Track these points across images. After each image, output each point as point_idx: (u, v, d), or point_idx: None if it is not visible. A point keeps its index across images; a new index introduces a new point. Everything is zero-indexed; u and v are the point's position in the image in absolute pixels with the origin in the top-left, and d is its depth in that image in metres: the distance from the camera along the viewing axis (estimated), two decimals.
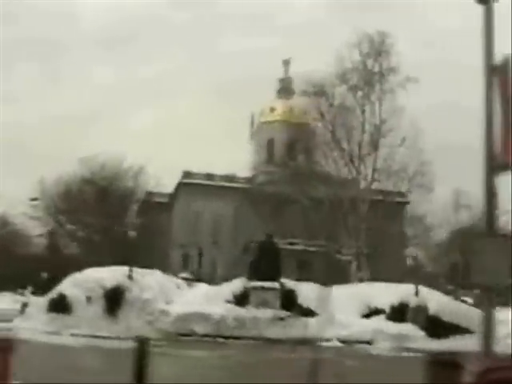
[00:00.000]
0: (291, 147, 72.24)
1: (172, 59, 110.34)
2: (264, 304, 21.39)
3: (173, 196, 68.95)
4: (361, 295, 22.47)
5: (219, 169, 67.30)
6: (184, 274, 38.83)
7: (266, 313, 19.95)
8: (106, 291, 19.06)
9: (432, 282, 31.35)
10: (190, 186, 65.25)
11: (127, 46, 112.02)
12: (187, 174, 66.31)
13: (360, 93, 28.38)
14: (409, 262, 43.49)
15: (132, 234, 56.15)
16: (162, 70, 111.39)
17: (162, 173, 69.16)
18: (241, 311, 19.96)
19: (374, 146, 27.68)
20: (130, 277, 19.74)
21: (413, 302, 20.34)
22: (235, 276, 55.20)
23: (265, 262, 22.68)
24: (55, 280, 25.81)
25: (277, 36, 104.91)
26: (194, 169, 67.16)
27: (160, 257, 59.32)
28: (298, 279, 30.81)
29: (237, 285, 22.91)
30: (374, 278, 27.41)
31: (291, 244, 64.41)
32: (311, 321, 19.99)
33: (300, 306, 21.57)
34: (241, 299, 21.74)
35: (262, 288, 21.87)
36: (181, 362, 13.86)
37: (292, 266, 53.96)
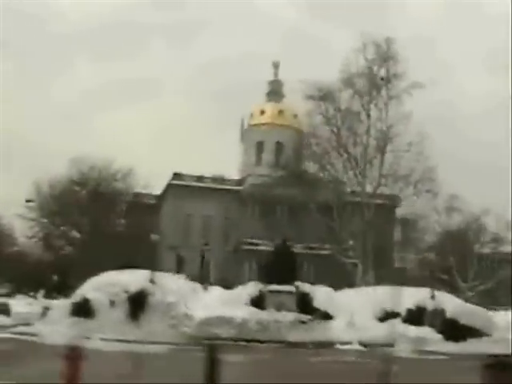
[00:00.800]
0: (280, 149, 72.76)
1: (156, 60, 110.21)
2: (281, 307, 21.59)
3: (161, 197, 68.69)
4: (375, 298, 22.80)
5: (208, 170, 67.55)
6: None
7: (288, 316, 20.14)
8: (129, 295, 19.03)
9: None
10: (180, 187, 65.07)
11: (109, 46, 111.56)
12: (177, 176, 66.15)
13: (366, 98, 28.73)
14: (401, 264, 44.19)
15: (125, 235, 55.78)
16: (146, 72, 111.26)
17: (150, 174, 68.77)
18: (262, 314, 20.12)
19: (381, 150, 28.08)
20: (152, 281, 19.76)
21: (429, 305, 20.74)
22: (228, 278, 55.57)
23: (280, 266, 22.88)
24: (65, 283, 25.72)
25: (259, 38, 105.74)
26: (183, 170, 67.25)
27: (150, 259, 59.14)
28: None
29: (252, 288, 23.07)
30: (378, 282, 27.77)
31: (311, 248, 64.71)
32: (331, 324, 20.23)
33: (316, 309, 21.80)
34: (257, 303, 21.90)
35: (279, 291, 22.06)
36: (233, 367, 14.01)
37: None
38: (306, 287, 22.82)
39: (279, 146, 71.78)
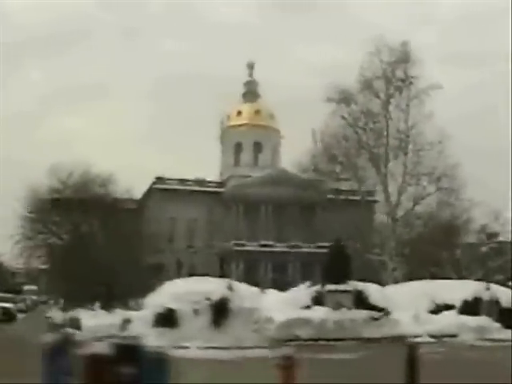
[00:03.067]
0: (259, 150, 73.62)
1: (105, 64, 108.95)
2: (339, 306, 22.41)
3: (142, 202, 68.12)
4: (423, 292, 23.98)
5: (185, 173, 67.64)
6: None
7: (361, 314, 21.03)
8: (212, 303, 19.42)
9: None
10: (163, 191, 64.92)
11: (67, 47, 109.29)
12: (159, 180, 65.96)
13: (385, 99, 29.88)
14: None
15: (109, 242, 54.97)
16: (108, 73, 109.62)
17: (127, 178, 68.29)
18: (337, 314, 20.91)
19: (403, 150, 29.40)
20: (230, 287, 20.23)
21: (485, 296, 22.09)
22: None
23: (335, 266, 23.71)
24: (113, 293, 25.74)
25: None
26: (157, 174, 67.10)
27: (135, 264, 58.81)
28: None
29: (308, 289, 23.83)
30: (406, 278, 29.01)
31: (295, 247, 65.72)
32: (400, 319, 21.26)
33: (373, 306, 22.73)
34: (317, 303, 22.68)
35: (337, 291, 22.90)
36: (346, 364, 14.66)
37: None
38: (358, 285, 23.73)
39: (257, 147, 72.79)
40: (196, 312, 19.34)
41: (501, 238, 45.26)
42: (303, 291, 23.57)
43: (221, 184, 67.46)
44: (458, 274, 41.81)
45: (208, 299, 19.55)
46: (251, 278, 61.31)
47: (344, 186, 30.51)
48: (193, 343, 18.66)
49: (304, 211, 66.96)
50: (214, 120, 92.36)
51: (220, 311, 19.45)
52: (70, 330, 21.37)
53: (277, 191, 64.93)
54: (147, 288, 29.80)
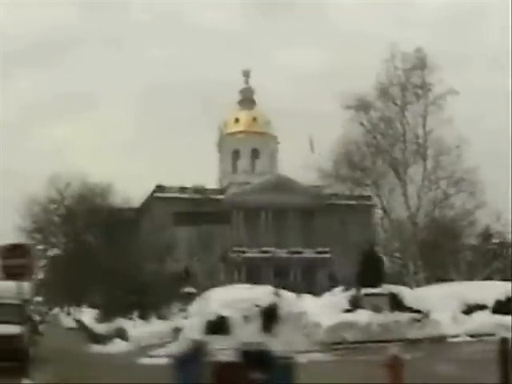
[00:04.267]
0: (256, 156, 74.20)
1: (104, 72, 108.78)
2: (376, 309, 22.99)
3: (141, 210, 68.10)
4: (453, 294, 24.67)
5: (180, 181, 67.86)
6: (187, 289, 39.14)
7: (404, 315, 21.61)
8: (261, 309, 19.82)
9: None
10: (163, 199, 65.10)
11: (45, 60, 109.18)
12: (159, 188, 66.17)
13: (402, 105, 30.64)
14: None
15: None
16: (98, 82, 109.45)
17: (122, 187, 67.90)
18: (380, 316, 21.47)
19: (422, 155, 30.21)
20: (276, 294, 20.67)
21: None
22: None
23: (369, 270, 24.30)
24: (147, 302, 25.99)
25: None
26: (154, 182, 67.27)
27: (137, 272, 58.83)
28: None
29: (343, 293, 24.38)
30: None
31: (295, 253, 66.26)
32: (440, 320, 21.89)
33: (409, 308, 23.34)
34: (354, 306, 23.24)
35: (373, 294, 23.48)
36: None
37: None
38: (391, 288, 24.35)
39: (255, 153, 73.38)
40: (246, 319, 19.71)
41: (499, 240, 45.99)
42: (339, 295, 24.09)
43: (220, 191, 67.79)
44: (461, 275, 42.45)
45: (257, 306, 19.95)
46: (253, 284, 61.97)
47: (360, 191, 31.10)
48: None
49: (304, 217, 67.69)
50: (206, 127, 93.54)
51: (269, 317, 19.85)
52: (147, 340, 21.66)
53: (276, 197, 65.55)
54: (175, 296, 30.18)
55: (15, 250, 13.21)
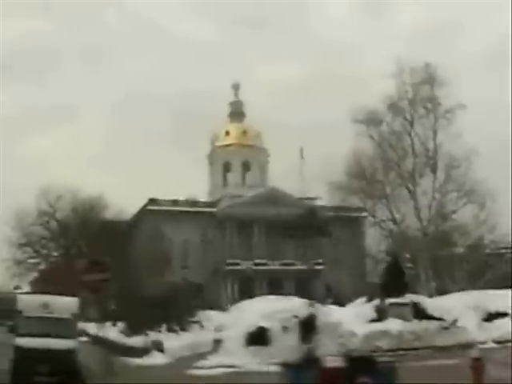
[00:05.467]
0: (247, 169, 74.61)
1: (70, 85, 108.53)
2: (401, 318, 23.62)
3: (133, 223, 67.77)
4: (472, 302, 25.45)
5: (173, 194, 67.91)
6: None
7: (433, 323, 22.24)
8: (300, 320, 20.25)
9: None
10: (156, 212, 64.92)
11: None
12: (152, 201, 65.96)
13: (409, 118, 31.47)
14: None
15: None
16: (60, 97, 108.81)
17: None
18: (409, 325, 22.07)
19: (432, 168, 31.00)
20: (312, 304, 21.14)
21: None
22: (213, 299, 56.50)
23: (393, 280, 24.94)
24: (172, 315, 26.14)
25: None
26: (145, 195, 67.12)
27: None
28: None
29: (366, 303, 24.97)
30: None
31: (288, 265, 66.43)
32: (467, 327, 22.59)
33: (431, 317, 24.01)
34: (380, 316, 23.82)
35: (398, 303, 24.12)
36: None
37: None
38: (414, 297, 25.03)
39: (245, 166, 73.79)
40: (285, 329, 20.12)
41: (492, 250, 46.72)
42: (365, 306, 24.66)
43: (213, 204, 67.93)
44: (456, 285, 43.12)
45: (296, 316, 20.38)
46: (247, 297, 62.08)
47: (372, 204, 31.72)
48: (284, 359, 19.46)
49: (297, 230, 68.16)
50: (185, 140, 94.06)
51: (308, 327, 20.28)
52: (182, 352, 21.77)
53: (269, 210, 65.93)
54: (194, 308, 30.29)
55: (93, 265, 13.54)
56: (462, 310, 24.77)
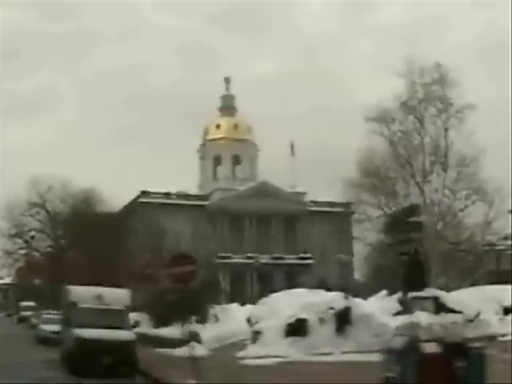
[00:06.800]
0: (237, 163, 74.93)
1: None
2: (423, 311, 24.37)
3: (124, 215, 67.38)
4: (488, 296, 26.36)
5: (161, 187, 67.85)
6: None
7: (459, 316, 22.98)
8: (335, 312, 20.76)
9: None
10: (147, 204, 64.81)
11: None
12: (144, 194, 65.88)
13: (420, 117, 32.15)
14: None
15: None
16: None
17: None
18: (437, 318, 22.77)
19: (443, 166, 31.80)
20: (346, 297, 21.68)
21: None
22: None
23: (414, 274, 25.67)
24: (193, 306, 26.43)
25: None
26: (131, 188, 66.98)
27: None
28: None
29: (387, 297, 25.67)
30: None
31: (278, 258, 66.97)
32: (491, 320, 23.45)
33: (452, 310, 24.83)
34: (404, 309, 24.54)
35: (419, 297, 24.86)
36: None
37: None
38: (434, 292, 25.82)
39: (236, 159, 74.15)
40: (321, 321, 20.62)
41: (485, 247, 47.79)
42: (387, 299, 25.34)
43: (205, 197, 68.13)
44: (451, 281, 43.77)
45: (331, 308, 20.89)
46: (237, 289, 62.59)
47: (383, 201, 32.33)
48: (321, 350, 20.02)
49: (286, 223, 68.95)
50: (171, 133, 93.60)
51: (343, 319, 20.82)
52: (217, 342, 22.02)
53: (260, 204, 66.48)
54: (213, 300, 30.63)
55: (181, 259, 13.98)
56: (479, 304, 25.62)
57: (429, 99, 32.33)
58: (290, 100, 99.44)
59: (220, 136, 72.05)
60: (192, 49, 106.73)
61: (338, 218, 69.18)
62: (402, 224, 10.27)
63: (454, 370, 10.75)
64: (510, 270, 42.98)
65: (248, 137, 73.06)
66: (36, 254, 63.11)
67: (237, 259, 66.26)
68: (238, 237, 66.99)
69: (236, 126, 72.83)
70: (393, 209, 30.26)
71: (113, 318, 16.56)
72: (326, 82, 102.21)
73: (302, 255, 69.21)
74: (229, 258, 66.08)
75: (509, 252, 50.32)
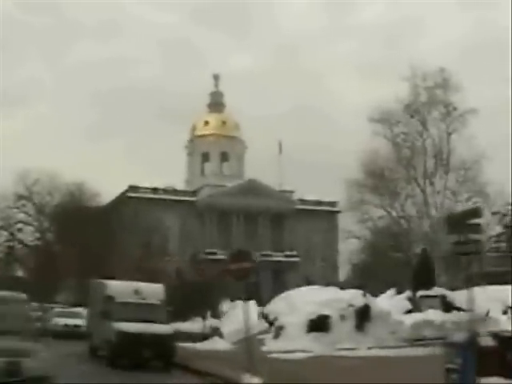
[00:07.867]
0: (225, 159, 75.10)
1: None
2: (432, 309, 25.17)
3: (111, 209, 66.98)
4: (490, 296, 27.26)
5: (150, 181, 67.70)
6: None
7: (469, 315, 23.76)
8: (355, 309, 21.39)
9: None
10: (135, 199, 64.54)
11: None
12: (132, 188, 65.59)
13: (423, 120, 32.94)
14: None
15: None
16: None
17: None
18: (450, 315, 23.56)
19: (445, 168, 32.62)
20: (364, 295, 22.32)
21: None
22: None
23: (423, 273, 26.47)
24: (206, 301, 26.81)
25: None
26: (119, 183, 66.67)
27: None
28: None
29: (396, 295, 26.42)
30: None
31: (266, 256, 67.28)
32: (501, 318, 24.30)
33: (459, 308, 25.65)
34: (414, 307, 25.31)
35: (428, 296, 25.67)
36: None
37: None
38: (440, 291, 26.65)
39: (224, 156, 74.24)
40: (342, 317, 21.21)
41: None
42: (397, 298, 26.08)
43: (193, 193, 68.17)
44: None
45: (351, 305, 21.50)
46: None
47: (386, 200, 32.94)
48: (342, 345, 20.60)
49: (273, 221, 69.49)
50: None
51: (363, 316, 21.46)
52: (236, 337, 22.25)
53: (248, 201, 66.82)
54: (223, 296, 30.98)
55: (240, 255, 14.42)
56: (483, 303, 26.48)
57: (432, 103, 33.16)
58: (272, 99, 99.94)
59: (208, 132, 72.05)
60: (174, 44, 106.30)
61: (325, 216, 70.30)
62: (463, 226, 10.85)
63: (508, 361, 11.52)
64: (494, 271, 44.49)
65: (236, 134, 73.27)
66: (20, 246, 62.42)
67: (224, 256, 66.35)
68: (225, 233, 67.19)
69: (224, 123, 72.97)
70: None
71: (150, 312, 16.82)
72: (307, 81, 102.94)
73: (288, 253, 69.82)
74: (215, 254, 66.20)
75: (492, 254, 51.88)
